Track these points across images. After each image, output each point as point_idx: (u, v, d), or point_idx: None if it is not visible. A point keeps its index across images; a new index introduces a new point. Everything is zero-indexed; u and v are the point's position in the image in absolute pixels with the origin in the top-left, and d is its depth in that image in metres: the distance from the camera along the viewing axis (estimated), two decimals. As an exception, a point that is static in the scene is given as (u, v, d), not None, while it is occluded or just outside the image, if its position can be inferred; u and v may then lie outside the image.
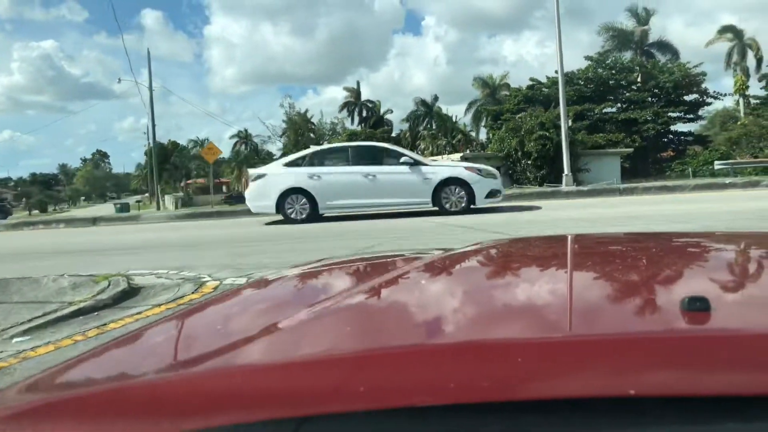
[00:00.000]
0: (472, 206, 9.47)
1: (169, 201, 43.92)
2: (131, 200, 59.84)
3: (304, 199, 9.43)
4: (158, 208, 26.72)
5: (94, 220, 11.88)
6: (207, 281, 4.90)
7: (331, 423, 0.47)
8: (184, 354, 0.74)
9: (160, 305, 4.13)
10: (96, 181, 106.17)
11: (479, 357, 0.51)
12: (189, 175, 68.29)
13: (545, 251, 1.20)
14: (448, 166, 10.47)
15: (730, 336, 0.52)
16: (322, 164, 9.72)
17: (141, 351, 0.79)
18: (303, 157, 9.95)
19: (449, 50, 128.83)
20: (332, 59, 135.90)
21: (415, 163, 9.64)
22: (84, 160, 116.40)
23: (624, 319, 0.63)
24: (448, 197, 9.49)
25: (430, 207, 9.57)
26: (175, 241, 8.31)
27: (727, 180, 11.30)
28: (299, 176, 9.49)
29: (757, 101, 35.64)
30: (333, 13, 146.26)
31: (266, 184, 9.62)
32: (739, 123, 34.57)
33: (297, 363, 0.55)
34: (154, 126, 29.20)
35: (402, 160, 9.60)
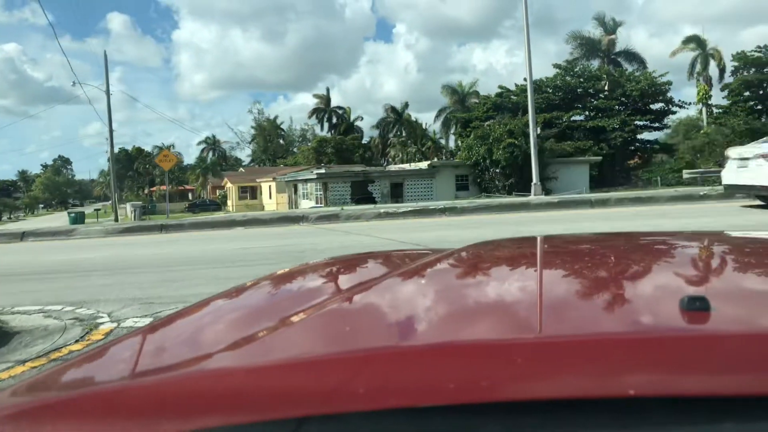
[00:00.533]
0: None
1: (129, 209, 42.17)
2: (94, 208, 57.38)
3: None
4: (116, 219, 25.34)
5: (22, 235, 10.72)
6: (103, 323, 4.01)
7: (330, 423, 0.47)
8: (183, 354, 0.72)
9: (25, 362, 3.24)
10: (56, 188, 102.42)
11: (479, 358, 0.51)
12: (153, 182, 66.38)
13: (544, 251, 1.17)
14: None
15: (729, 336, 0.52)
16: None
17: (140, 351, 0.77)
18: None
19: (420, 58, 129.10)
20: (303, 66, 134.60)
21: None
22: (45, 167, 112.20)
23: (623, 320, 0.63)
24: None
25: None
26: (102, 263, 7.34)
27: (702, 191, 10.87)
28: None
29: (720, 110, 36.20)
30: (304, 20, 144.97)
31: None
32: (702, 132, 35.07)
33: (297, 363, 0.55)
34: (111, 131, 27.83)
35: None
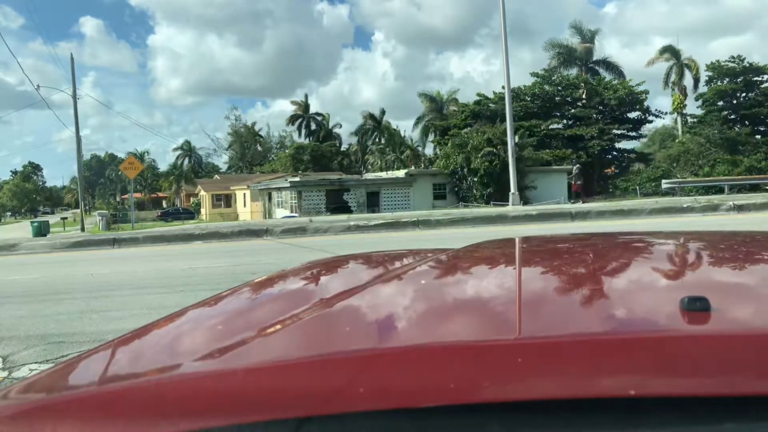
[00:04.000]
0: None
1: (97, 218, 40.63)
2: (61, 216, 55.32)
3: None
4: (82, 229, 24.23)
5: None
6: (-13, 372, 3.30)
7: (331, 423, 0.48)
8: (184, 354, 0.72)
9: None
10: (25, 195, 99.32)
11: (479, 358, 0.51)
12: (125, 189, 64.62)
13: (543, 252, 1.16)
14: None
15: (729, 336, 0.52)
16: None
17: (141, 351, 0.77)
18: None
19: (398, 65, 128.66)
20: (281, 72, 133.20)
21: None
22: (14, 173, 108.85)
23: (626, 321, 0.63)
24: None
25: None
26: (28, 286, 6.56)
27: (685, 203, 10.49)
28: None
29: (695, 120, 36.47)
30: (281, 27, 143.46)
31: None
32: (677, 141, 35.21)
33: (297, 363, 0.55)
34: (78, 137, 26.74)
35: None
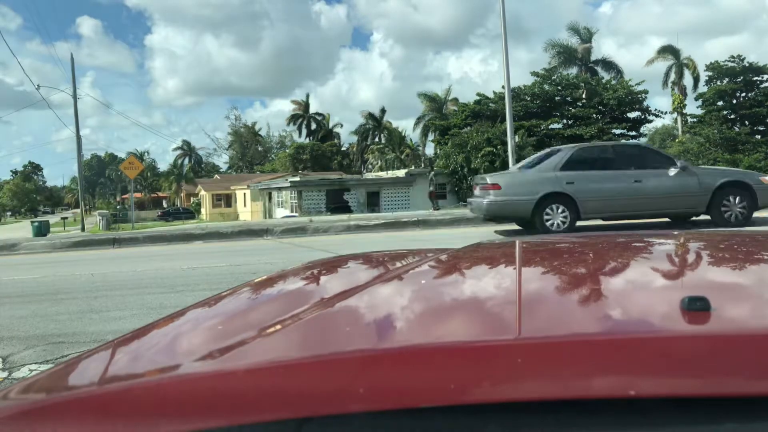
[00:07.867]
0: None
1: (98, 218, 40.60)
2: (61, 216, 55.31)
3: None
4: (82, 228, 24.25)
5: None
6: (-12, 373, 3.30)
7: (331, 423, 0.48)
8: (184, 354, 0.72)
9: None
10: (25, 195, 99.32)
11: (479, 358, 0.51)
12: (126, 189, 64.62)
13: (543, 252, 1.17)
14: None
15: (729, 336, 0.52)
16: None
17: (141, 351, 0.77)
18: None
19: (396, 66, 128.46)
20: (279, 72, 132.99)
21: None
22: (14, 173, 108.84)
23: (626, 321, 0.64)
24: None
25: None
26: (28, 286, 6.56)
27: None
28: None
29: (694, 119, 36.46)
30: (278, 27, 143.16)
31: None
32: (677, 141, 35.19)
33: (298, 364, 0.55)
34: (79, 137, 26.78)
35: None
